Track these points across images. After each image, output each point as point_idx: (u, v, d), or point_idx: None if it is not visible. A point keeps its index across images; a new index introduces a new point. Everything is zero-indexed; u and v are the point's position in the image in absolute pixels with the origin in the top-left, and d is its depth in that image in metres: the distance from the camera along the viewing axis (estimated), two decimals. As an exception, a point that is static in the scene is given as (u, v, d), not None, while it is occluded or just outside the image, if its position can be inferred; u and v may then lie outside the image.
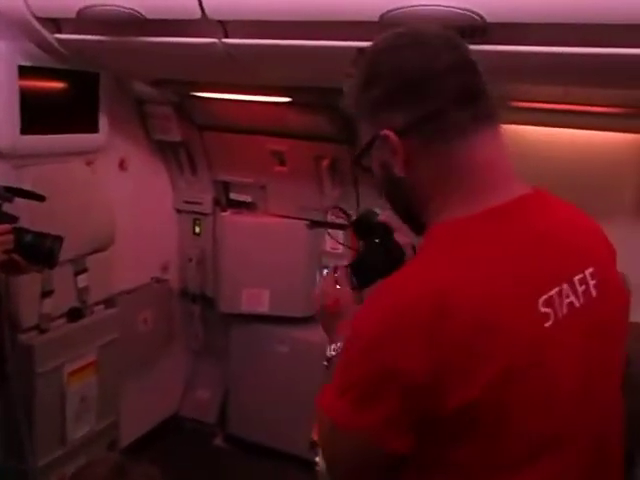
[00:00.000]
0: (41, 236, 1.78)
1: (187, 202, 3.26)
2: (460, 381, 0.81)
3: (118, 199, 2.70)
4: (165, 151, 3.14)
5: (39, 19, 2.01)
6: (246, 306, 3.07)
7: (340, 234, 2.96)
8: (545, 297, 0.87)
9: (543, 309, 0.87)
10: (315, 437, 1.05)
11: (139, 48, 1.96)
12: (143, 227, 3.00)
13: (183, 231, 3.33)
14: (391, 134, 0.93)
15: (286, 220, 3.04)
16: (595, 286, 0.95)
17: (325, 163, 2.76)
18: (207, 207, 3.22)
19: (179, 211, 3.30)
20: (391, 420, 0.85)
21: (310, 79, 2.24)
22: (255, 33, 1.82)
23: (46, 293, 2.37)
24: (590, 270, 0.96)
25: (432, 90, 0.91)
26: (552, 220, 0.98)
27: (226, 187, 3.20)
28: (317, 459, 1.10)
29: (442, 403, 0.82)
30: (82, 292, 2.55)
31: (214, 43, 1.87)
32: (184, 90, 2.75)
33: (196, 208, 3.24)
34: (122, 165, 2.86)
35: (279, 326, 3.07)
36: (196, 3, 1.75)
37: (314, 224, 3.00)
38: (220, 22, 1.82)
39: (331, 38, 1.72)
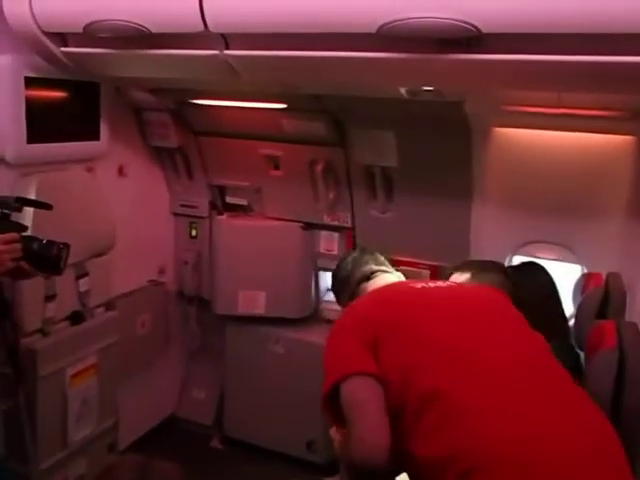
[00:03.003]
0: (48, 244, 1.82)
1: (184, 206, 3.30)
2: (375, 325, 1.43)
3: (117, 204, 2.75)
4: (162, 157, 3.19)
5: (46, 33, 2.06)
6: (242, 308, 3.12)
7: (336, 236, 3.04)
8: (412, 284, 1.64)
9: (411, 285, 1.63)
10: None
11: (143, 60, 2.01)
12: (141, 231, 3.05)
13: (179, 234, 3.38)
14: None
15: (281, 223, 3.09)
16: (456, 285, 1.72)
17: (319, 167, 2.83)
18: (203, 210, 3.27)
19: (176, 215, 3.35)
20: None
21: (308, 87, 2.30)
22: (255, 45, 1.87)
23: (49, 297, 2.41)
24: (449, 283, 1.72)
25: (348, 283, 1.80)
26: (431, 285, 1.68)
27: (222, 191, 3.25)
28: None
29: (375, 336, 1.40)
30: (83, 296, 2.59)
31: (216, 55, 1.92)
32: (181, 97, 2.80)
33: (192, 212, 3.29)
34: (121, 171, 2.91)
35: (275, 327, 3.12)
36: (199, 17, 1.80)
37: (309, 226, 3.06)
38: (222, 35, 1.87)
39: (330, 49, 1.77)
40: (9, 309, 2.19)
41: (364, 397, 1.34)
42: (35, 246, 1.80)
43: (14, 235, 1.76)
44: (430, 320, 1.43)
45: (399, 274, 1.85)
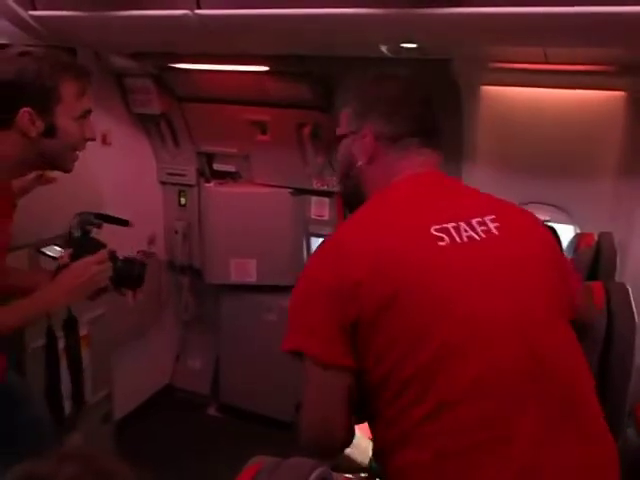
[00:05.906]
0: (131, 262, 1.83)
1: (171, 174, 3.25)
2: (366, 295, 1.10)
3: (102, 174, 2.70)
4: (147, 124, 3.13)
5: (12, -4, 1.99)
6: (234, 277, 3.10)
7: (327, 202, 3.00)
8: (437, 226, 1.17)
9: (435, 233, 1.16)
10: None
11: (113, 22, 1.94)
12: (129, 201, 2.99)
13: (168, 203, 3.33)
14: (370, 136, 1.32)
15: (270, 189, 3.05)
16: (498, 228, 1.21)
17: (307, 130, 2.77)
18: (191, 178, 3.22)
19: (164, 183, 3.30)
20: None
21: (286, 47, 2.24)
22: (228, 3, 1.80)
23: (35, 272, 2.38)
24: (490, 217, 1.22)
25: (403, 116, 1.32)
26: (454, 185, 1.37)
27: (209, 158, 3.20)
28: None
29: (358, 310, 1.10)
30: (70, 268, 2.56)
31: (187, 14, 1.85)
32: (162, 62, 2.73)
33: (180, 180, 3.24)
34: (105, 140, 2.85)
35: (267, 295, 3.11)
36: (167, -26, 1.73)
37: (298, 192, 3.01)
38: (192, -7, 1.80)
39: (305, 6, 1.71)
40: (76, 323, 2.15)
41: (322, 384, 1.18)
42: (119, 264, 1.79)
43: (104, 254, 1.76)
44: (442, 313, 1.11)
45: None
